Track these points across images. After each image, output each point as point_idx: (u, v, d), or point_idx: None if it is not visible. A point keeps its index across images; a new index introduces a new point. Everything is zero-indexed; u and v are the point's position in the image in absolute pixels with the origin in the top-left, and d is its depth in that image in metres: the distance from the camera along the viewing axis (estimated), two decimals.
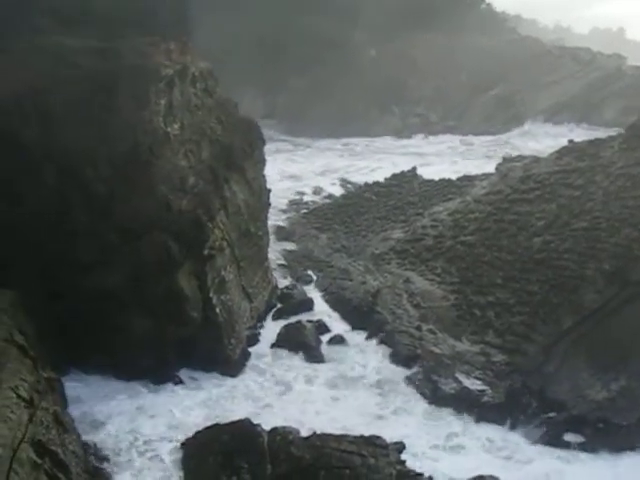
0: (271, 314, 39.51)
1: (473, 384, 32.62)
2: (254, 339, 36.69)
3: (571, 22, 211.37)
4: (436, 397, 32.17)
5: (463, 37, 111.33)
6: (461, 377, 32.98)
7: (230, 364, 33.73)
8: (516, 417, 31.08)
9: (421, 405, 32.07)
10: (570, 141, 48.99)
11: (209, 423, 28.01)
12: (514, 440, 30.10)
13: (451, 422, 31.03)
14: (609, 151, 42.46)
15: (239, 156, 38.08)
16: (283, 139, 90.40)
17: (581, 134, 79.06)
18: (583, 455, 29.21)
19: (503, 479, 26.51)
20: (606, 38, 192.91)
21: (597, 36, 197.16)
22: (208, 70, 38.99)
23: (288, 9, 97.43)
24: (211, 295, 33.20)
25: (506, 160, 54.39)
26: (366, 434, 27.12)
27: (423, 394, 32.55)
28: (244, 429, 26.77)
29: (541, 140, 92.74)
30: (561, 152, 46.47)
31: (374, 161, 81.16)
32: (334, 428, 28.34)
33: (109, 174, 32.18)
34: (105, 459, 26.95)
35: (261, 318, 38.46)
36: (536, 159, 50.16)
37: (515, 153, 70.56)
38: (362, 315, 39.19)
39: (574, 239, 36.89)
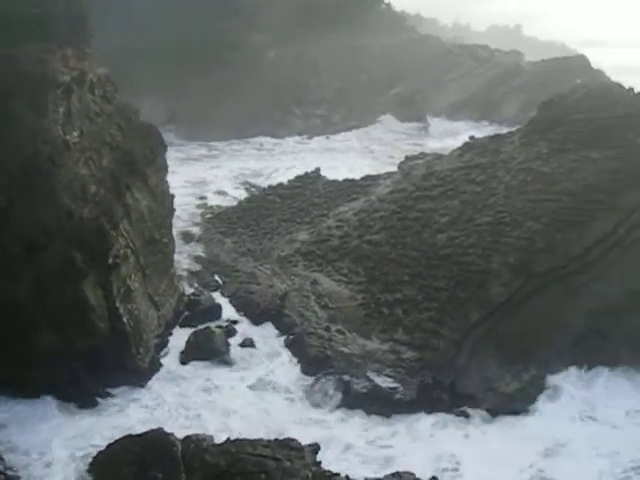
0: (179, 321, 38.99)
1: (385, 382, 32.74)
2: (163, 347, 36.23)
3: (470, 20, 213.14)
4: (349, 397, 32.21)
5: (363, 37, 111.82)
6: (372, 376, 33.03)
7: (139, 374, 33.23)
8: (429, 412, 31.49)
9: (334, 404, 32.19)
10: (471, 138, 49.57)
11: (122, 434, 27.56)
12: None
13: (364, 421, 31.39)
14: (510, 146, 43.14)
15: (141, 163, 37.50)
16: (185, 143, 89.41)
17: (482, 131, 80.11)
18: None
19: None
20: (504, 35, 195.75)
21: (495, 33, 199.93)
22: (106, 76, 38.31)
23: (188, 13, 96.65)
24: (117, 305, 32.63)
25: (409, 158, 54.62)
26: (280, 437, 27.01)
27: (334, 393, 32.57)
28: (157, 439, 26.31)
29: (443, 138, 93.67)
30: (463, 149, 47.03)
31: (276, 162, 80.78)
32: (246, 433, 28.09)
33: (8, 184, 31.39)
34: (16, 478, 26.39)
35: (169, 326, 37.90)
36: (438, 156, 50.69)
37: (418, 151, 71.08)
38: (271, 319, 39.06)
39: (478, 234, 37.35)
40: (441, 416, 31.37)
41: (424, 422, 31.09)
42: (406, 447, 29.61)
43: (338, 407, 32.12)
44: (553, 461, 28.69)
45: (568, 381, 32.70)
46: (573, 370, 33.04)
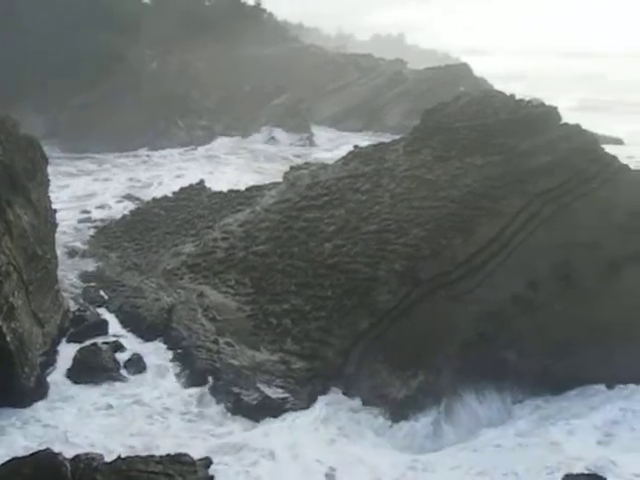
0: (65, 338, 37.87)
1: (275, 393, 32.41)
2: (49, 365, 35.06)
3: (353, 29, 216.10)
4: (239, 408, 31.79)
5: (247, 48, 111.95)
6: (263, 387, 32.66)
7: (25, 393, 32.00)
8: None
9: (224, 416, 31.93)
10: (356, 146, 49.79)
11: (9, 457, 26.48)
12: None
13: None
14: (394, 154, 43.43)
15: (22, 177, 36.39)
16: (69, 157, 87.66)
17: (367, 139, 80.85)
18: None
19: None
20: (387, 44, 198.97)
21: (379, 43, 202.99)
22: None
23: (71, 25, 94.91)
24: (0, 323, 31.63)
25: (293, 168, 54.46)
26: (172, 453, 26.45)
27: (224, 406, 32.19)
28: (45, 460, 25.27)
29: (327, 147, 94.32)
30: (347, 158, 47.19)
31: (160, 174, 79.95)
32: (138, 450, 27.70)
33: None
34: None
35: (55, 343, 36.76)
36: (323, 165, 50.71)
37: (303, 161, 71.21)
38: (158, 333, 38.26)
39: (364, 242, 37.42)
40: None
41: None
42: None
43: (229, 419, 31.67)
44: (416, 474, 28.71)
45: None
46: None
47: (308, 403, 32.16)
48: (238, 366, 34.11)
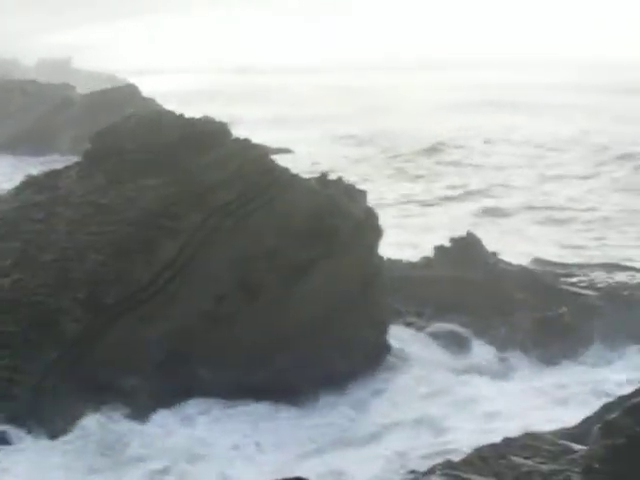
0: None
1: None
2: None
3: (17, 54, 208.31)
4: None
5: None
6: None
7: None
8: None
9: None
10: (28, 175, 48.10)
11: None
12: None
13: None
14: (67, 181, 42.27)
15: None
16: None
17: (40, 166, 78.61)
18: None
19: None
20: (54, 68, 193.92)
21: (45, 67, 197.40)
22: None
23: None
24: None
25: None
26: None
27: None
28: None
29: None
30: (19, 187, 45.32)
31: None
32: None
33: None
34: None
35: None
36: None
37: None
38: None
39: (45, 272, 36.11)
40: None
41: None
42: None
43: None
44: None
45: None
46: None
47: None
48: None
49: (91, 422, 31.34)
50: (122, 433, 31.18)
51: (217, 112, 48.49)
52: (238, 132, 41.74)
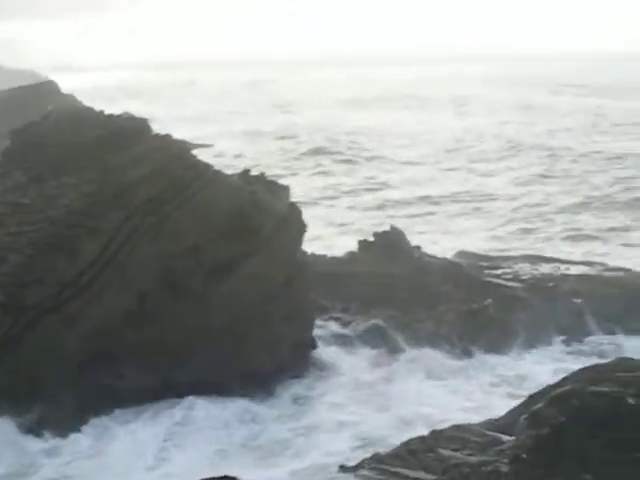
0: None
1: None
2: None
3: None
4: None
5: None
6: None
7: None
8: None
9: None
10: None
11: None
12: None
13: None
14: None
15: None
16: None
17: None
18: None
19: None
20: None
21: None
22: None
23: None
24: None
25: None
26: None
27: None
28: None
29: None
30: None
31: None
32: None
33: None
34: None
35: None
36: None
37: None
38: None
39: None
40: None
41: None
42: None
43: None
44: None
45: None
46: None
47: None
48: None
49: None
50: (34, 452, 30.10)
51: (138, 109, 47.80)
52: (159, 128, 41.17)
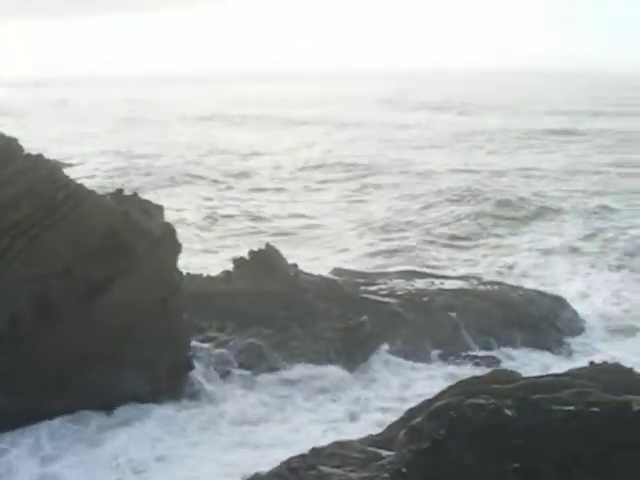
0: None
1: None
2: None
3: None
4: None
5: None
6: None
7: None
8: None
9: None
10: None
11: None
12: None
13: None
14: None
15: None
16: None
17: None
18: None
19: None
20: None
21: None
22: None
23: None
24: None
25: None
26: None
27: None
28: None
29: None
30: None
31: None
32: None
33: None
34: None
35: None
36: None
37: None
38: None
39: None
40: None
41: None
42: None
43: None
44: None
45: None
46: None
47: None
48: None
49: None
50: None
51: (8, 128, 46.42)
52: (29, 148, 40.12)
